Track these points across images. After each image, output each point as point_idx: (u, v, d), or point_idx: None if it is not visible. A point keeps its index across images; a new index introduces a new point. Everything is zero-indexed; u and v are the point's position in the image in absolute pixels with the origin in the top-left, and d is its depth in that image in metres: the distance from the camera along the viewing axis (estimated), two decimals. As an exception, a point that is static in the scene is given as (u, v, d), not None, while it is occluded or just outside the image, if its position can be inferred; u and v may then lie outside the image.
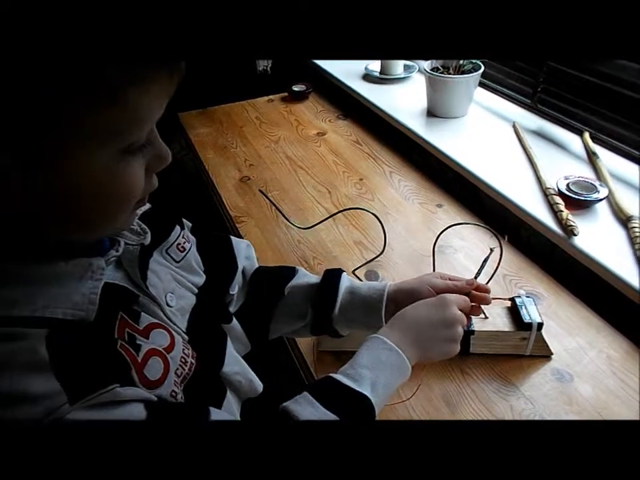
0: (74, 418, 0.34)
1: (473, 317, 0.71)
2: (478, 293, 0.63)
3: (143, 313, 0.44)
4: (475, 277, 0.65)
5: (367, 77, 1.50)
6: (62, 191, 0.36)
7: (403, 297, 0.62)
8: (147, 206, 0.53)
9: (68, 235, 0.40)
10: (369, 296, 0.64)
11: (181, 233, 0.56)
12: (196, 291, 0.55)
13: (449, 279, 0.64)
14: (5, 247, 0.38)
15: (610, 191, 0.90)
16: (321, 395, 0.50)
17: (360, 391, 0.50)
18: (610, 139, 1.02)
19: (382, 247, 0.93)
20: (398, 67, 1.47)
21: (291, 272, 0.69)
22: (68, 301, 0.38)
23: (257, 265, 0.71)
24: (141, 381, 0.40)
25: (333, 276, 0.67)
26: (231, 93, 1.62)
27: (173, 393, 0.43)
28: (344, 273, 0.69)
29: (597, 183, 0.91)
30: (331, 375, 0.53)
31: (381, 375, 0.52)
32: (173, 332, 0.47)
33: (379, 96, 1.38)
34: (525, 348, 0.72)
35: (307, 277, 0.69)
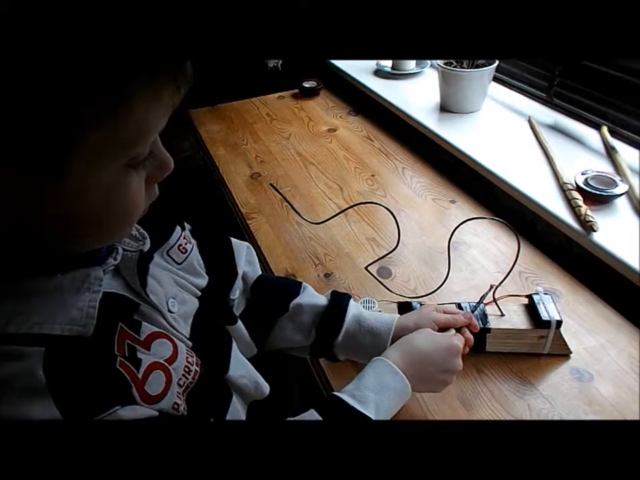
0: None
1: (489, 314, 0.71)
2: (468, 334, 0.65)
3: (144, 322, 0.43)
4: (473, 310, 0.68)
5: (379, 73, 1.49)
6: (64, 207, 0.34)
7: (408, 333, 0.63)
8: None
9: (67, 249, 0.39)
10: (376, 328, 0.64)
11: (181, 233, 0.55)
12: (199, 293, 0.54)
13: (444, 312, 0.67)
14: (1, 262, 0.36)
15: (630, 186, 0.88)
16: (327, 415, 0.51)
17: (365, 413, 0.51)
18: (629, 133, 0.99)
19: (394, 244, 0.92)
20: (410, 61, 1.45)
21: (297, 287, 0.68)
22: (65, 316, 0.37)
23: (259, 271, 0.70)
24: (142, 398, 0.39)
25: (340, 301, 0.67)
26: (241, 90, 1.62)
27: (175, 405, 0.42)
28: (351, 298, 0.68)
29: (616, 178, 0.89)
30: (336, 394, 0.53)
31: (385, 398, 0.53)
32: (176, 340, 0.45)
33: (390, 91, 1.37)
34: (542, 346, 0.70)
35: (313, 296, 0.68)
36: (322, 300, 0.67)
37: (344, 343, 0.64)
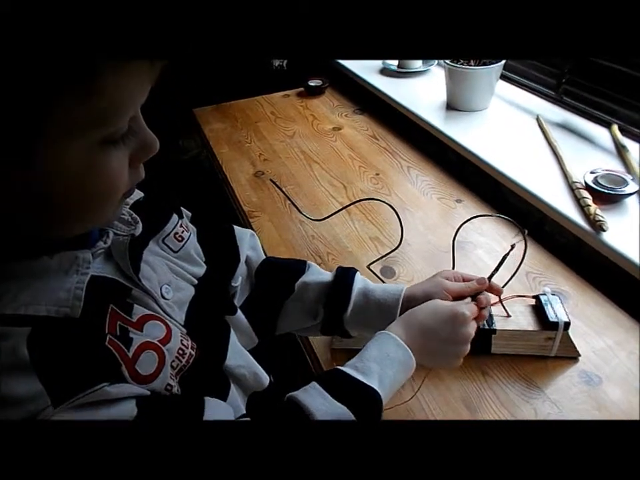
0: (61, 419, 0.33)
1: (494, 315, 0.69)
2: (487, 298, 0.60)
3: (135, 305, 0.42)
4: (491, 276, 0.62)
5: (385, 71, 1.47)
6: (38, 188, 0.33)
7: (417, 303, 0.60)
8: (140, 194, 0.51)
9: (51, 233, 0.38)
10: (384, 300, 0.62)
11: (178, 222, 0.54)
12: (195, 282, 0.53)
13: (463, 279, 0.63)
14: None
15: (641, 185, 0.86)
16: (330, 386, 0.49)
17: (369, 384, 0.49)
18: (640, 131, 0.97)
19: (398, 243, 0.90)
20: (416, 60, 1.43)
21: (301, 266, 0.67)
22: (52, 297, 0.36)
23: (263, 256, 0.69)
24: (133, 377, 0.38)
25: (346, 276, 0.65)
26: (246, 89, 1.61)
27: (168, 387, 0.41)
28: (357, 272, 0.66)
29: (626, 177, 0.87)
30: (338, 367, 0.52)
31: (388, 370, 0.51)
32: (170, 323, 0.44)
33: (396, 90, 1.35)
34: (550, 348, 0.68)
35: (319, 274, 0.66)
36: (327, 276, 0.66)
37: (353, 318, 0.63)
